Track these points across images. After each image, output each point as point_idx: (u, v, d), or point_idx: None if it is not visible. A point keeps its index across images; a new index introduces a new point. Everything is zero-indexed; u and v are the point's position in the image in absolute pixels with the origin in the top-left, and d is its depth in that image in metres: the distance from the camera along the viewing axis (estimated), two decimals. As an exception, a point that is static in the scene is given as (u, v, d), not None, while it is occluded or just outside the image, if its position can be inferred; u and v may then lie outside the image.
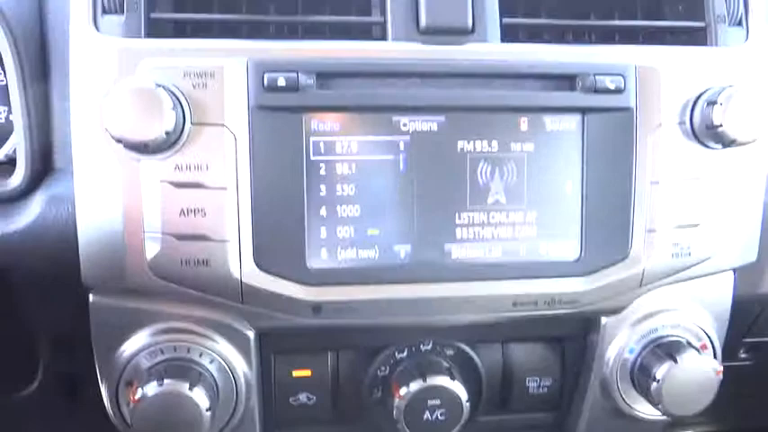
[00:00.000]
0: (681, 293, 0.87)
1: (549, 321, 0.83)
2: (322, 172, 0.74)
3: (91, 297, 0.78)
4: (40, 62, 0.81)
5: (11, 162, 0.89)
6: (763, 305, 0.97)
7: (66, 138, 0.76)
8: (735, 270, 0.87)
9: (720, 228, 0.81)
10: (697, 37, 0.82)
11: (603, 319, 0.86)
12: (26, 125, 0.79)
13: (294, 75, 0.71)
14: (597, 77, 0.76)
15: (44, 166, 0.81)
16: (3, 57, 0.80)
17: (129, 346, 0.78)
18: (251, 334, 0.79)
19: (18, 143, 0.80)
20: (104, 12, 0.74)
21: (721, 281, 0.88)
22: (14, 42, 0.79)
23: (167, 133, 0.67)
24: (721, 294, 0.89)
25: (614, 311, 0.85)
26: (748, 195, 0.83)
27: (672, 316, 0.87)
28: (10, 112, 0.83)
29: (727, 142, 0.76)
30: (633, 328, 0.86)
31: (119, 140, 0.67)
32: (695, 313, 0.88)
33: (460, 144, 0.76)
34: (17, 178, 0.80)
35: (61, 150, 0.81)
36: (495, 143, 0.76)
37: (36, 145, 0.80)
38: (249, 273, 0.73)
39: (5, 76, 0.81)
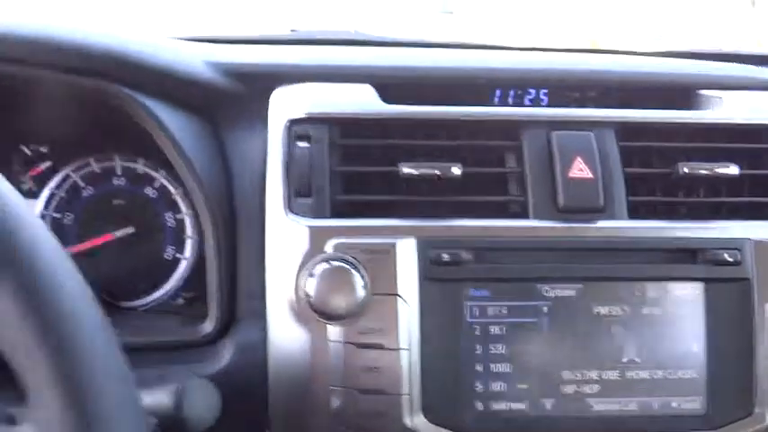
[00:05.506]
0: None
1: None
2: (477, 333, 0.85)
3: None
4: (231, 237, 0.95)
5: (191, 301, 1.04)
6: None
7: (246, 293, 0.89)
8: None
9: None
10: None
11: None
12: (218, 284, 0.94)
13: (456, 252, 0.85)
14: (716, 251, 0.87)
15: (230, 316, 0.95)
16: (203, 225, 0.95)
17: None
18: None
19: (210, 297, 0.95)
20: (297, 195, 0.88)
21: None
22: (211, 211, 0.93)
23: (355, 305, 0.80)
24: None
25: None
26: None
27: None
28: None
29: None
30: None
31: (314, 310, 0.81)
32: None
33: (596, 308, 0.86)
34: (209, 325, 0.94)
35: (244, 304, 0.94)
36: (627, 307, 0.86)
37: (225, 298, 0.94)
38: (418, 423, 0.83)
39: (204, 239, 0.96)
